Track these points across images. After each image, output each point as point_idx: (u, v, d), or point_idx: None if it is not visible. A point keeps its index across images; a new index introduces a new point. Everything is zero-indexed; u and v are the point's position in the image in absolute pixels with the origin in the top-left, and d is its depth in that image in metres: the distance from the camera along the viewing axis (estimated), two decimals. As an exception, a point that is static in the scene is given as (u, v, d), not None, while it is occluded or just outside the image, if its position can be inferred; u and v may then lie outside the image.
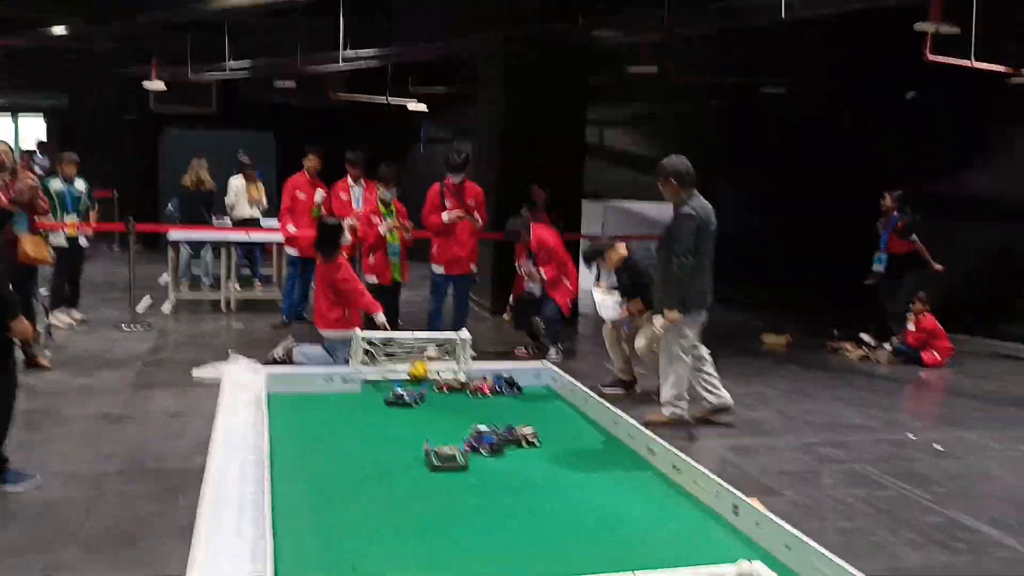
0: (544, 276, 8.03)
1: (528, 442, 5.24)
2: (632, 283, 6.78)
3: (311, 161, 9.33)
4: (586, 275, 10.11)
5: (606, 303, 6.96)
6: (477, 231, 8.14)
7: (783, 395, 7.19)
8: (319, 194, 9.15)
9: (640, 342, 6.59)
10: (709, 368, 6.10)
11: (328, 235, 7.45)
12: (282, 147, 15.87)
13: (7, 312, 4.29)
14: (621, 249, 6.90)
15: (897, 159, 11.18)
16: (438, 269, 8.07)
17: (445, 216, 7.94)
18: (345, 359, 7.22)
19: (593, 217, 12.87)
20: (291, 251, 9.44)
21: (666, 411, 5.85)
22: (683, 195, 5.75)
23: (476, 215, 8.01)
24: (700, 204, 5.76)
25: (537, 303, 8.28)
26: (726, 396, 6.06)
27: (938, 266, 9.10)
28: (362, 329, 7.00)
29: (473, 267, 8.20)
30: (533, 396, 6.66)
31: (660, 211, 12.81)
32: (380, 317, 7.20)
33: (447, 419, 5.86)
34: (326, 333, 7.41)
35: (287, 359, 7.38)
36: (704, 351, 6.09)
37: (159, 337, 8.61)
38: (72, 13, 11.93)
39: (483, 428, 5.23)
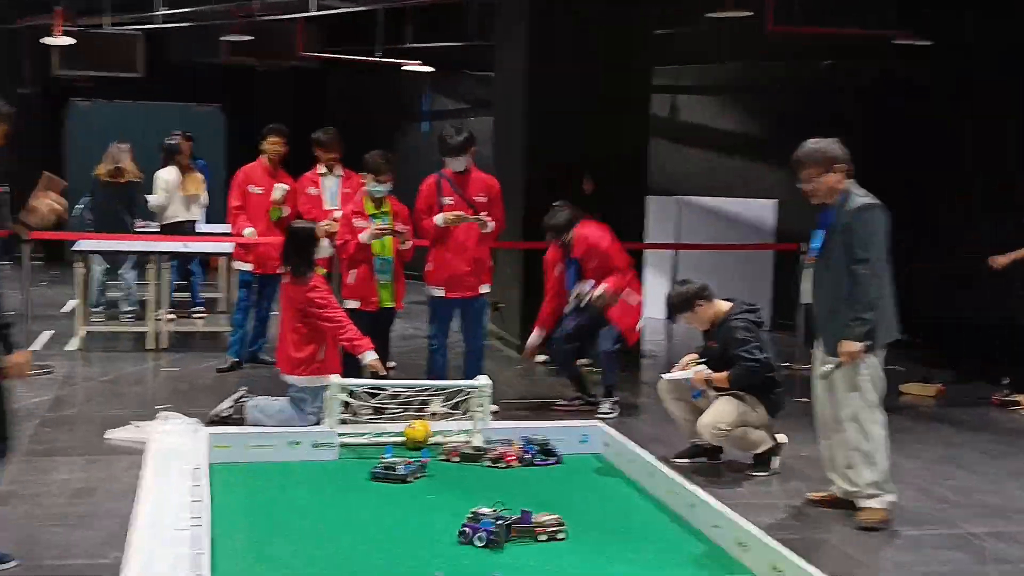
0: (602, 292, 7.95)
1: (549, 536, 5.21)
2: (723, 353, 6.72)
3: (272, 144, 9.41)
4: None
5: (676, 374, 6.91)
6: (487, 238, 8.11)
7: (929, 467, 7.12)
8: (279, 189, 9.21)
9: (708, 418, 6.58)
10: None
11: (298, 244, 7.49)
12: (233, 125, 16.03)
13: None
14: (721, 304, 6.85)
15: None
16: (436, 291, 8.06)
17: (440, 218, 7.94)
18: (317, 416, 7.24)
19: (663, 218, 12.87)
20: (243, 266, 9.51)
21: (874, 502, 5.78)
22: (843, 187, 5.78)
23: (484, 215, 7.95)
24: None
25: (584, 330, 8.24)
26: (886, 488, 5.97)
27: None
28: (342, 375, 7.02)
29: (484, 288, 8.17)
30: (577, 468, 6.63)
31: (761, 211, 12.79)
32: (369, 357, 7.22)
33: (456, 501, 5.82)
34: (292, 379, 7.43)
35: (238, 416, 7.41)
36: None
37: (62, 386, 8.67)
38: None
39: (485, 511, 5.24)
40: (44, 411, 7.81)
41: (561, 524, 5.29)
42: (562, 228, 8.17)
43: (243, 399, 7.50)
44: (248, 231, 9.28)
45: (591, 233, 8.19)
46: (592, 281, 8.08)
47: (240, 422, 7.36)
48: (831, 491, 6.03)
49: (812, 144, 5.83)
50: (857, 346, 5.68)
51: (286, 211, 9.23)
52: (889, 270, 5.78)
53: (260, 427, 7.18)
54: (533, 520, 5.26)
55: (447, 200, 7.97)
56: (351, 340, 7.29)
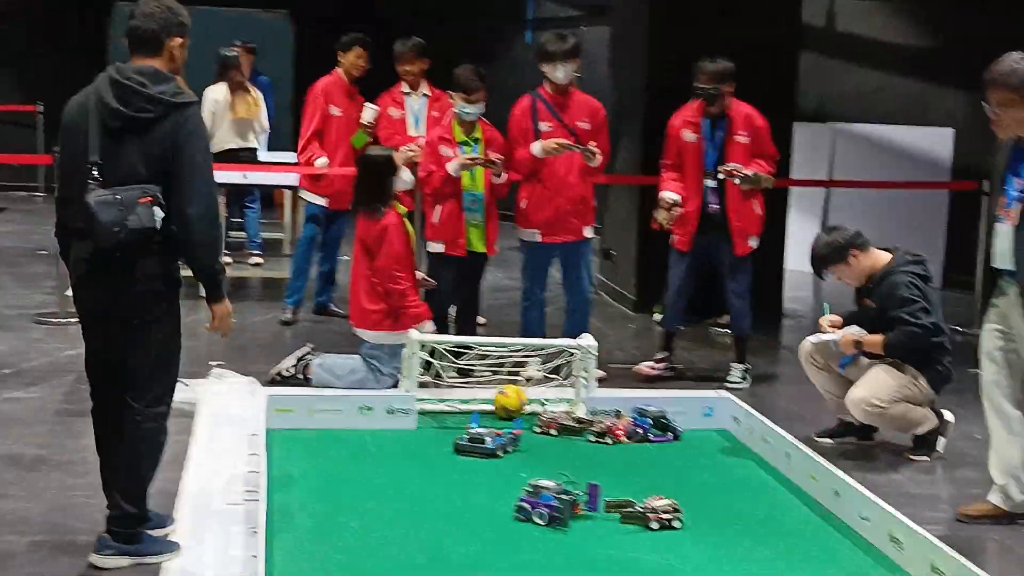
0: (756, 173, 7.91)
1: (663, 524, 5.27)
2: (881, 314, 6.63)
3: (356, 58, 9.49)
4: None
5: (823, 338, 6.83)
6: (593, 172, 8.09)
7: None
8: (370, 110, 9.26)
9: (860, 392, 6.50)
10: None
11: (372, 176, 7.57)
12: (304, 35, 16.16)
13: None
14: (880, 255, 6.75)
15: None
16: (531, 235, 8.06)
17: (537, 147, 7.94)
18: (394, 378, 7.35)
19: (813, 150, 12.69)
20: (314, 199, 9.63)
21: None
22: None
23: (592, 145, 7.92)
24: None
25: (706, 261, 8.17)
26: None
27: None
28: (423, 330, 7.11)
29: (589, 231, 8.15)
30: (699, 446, 6.64)
31: (935, 142, 12.55)
32: (427, 328, 7.30)
33: (553, 480, 5.90)
34: (366, 335, 7.55)
35: (302, 376, 7.56)
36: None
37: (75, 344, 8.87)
38: None
39: (546, 484, 5.33)
40: (80, 366, 7.99)
41: (677, 511, 5.33)
42: (721, 77, 8.01)
43: (308, 356, 7.64)
44: (321, 161, 9.37)
45: (746, 105, 8.10)
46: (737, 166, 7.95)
47: (305, 383, 7.52)
48: (991, 502, 5.81)
49: (1012, 61, 5.56)
50: None
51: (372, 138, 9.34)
52: None
53: (328, 389, 7.33)
54: (644, 505, 5.31)
55: (545, 126, 7.94)
56: (404, 299, 7.39)
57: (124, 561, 4.79)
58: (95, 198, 4.51)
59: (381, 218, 7.44)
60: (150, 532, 4.94)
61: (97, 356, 4.92)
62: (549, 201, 7.94)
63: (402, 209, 7.69)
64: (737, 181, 7.91)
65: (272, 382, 7.53)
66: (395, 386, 7.29)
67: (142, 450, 4.85)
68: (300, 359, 7.65)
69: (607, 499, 5.41)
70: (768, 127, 8.12)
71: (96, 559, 4.80)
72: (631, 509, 5.34)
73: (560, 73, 7.91)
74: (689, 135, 8.06)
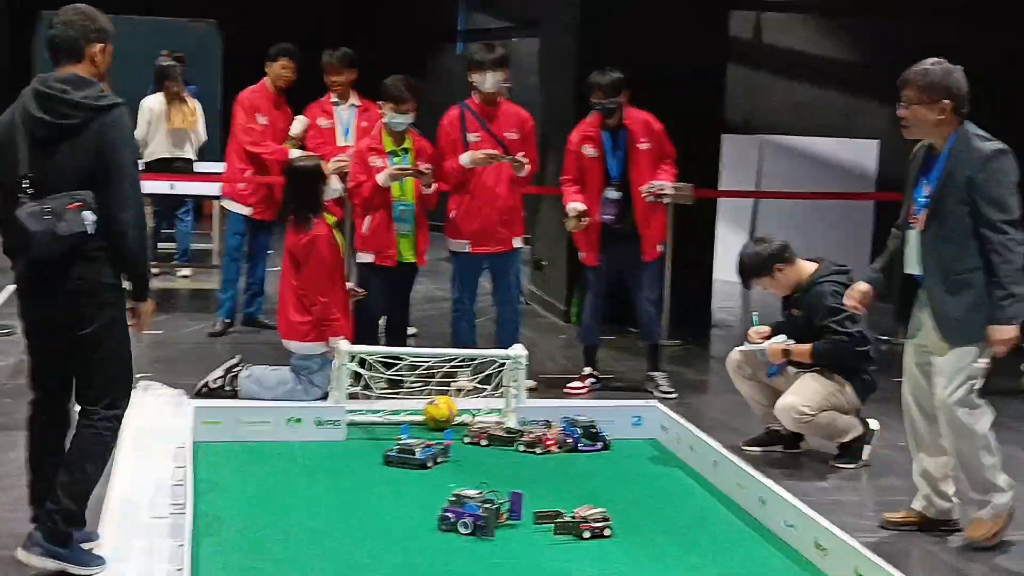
0: (686, 188, 7.98)
1: (594, 533, 5.30)
2: (808, 324, 6.70)
3: (279, 68, 9.46)
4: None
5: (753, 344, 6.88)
6: (521, 182, 8.11)
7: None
8: (299, 123, 9.24)
9: (789, 400, 6.56)
10: None
11: (300, 184, 7.55)
12: (233, 45, 16.07)
13: None
14: (805, 265, 6.81)
15: None
16: (460, 245, 8.07)
17: (466, 157, 7.96)
18: (323, 390, 7.32)
19: (741, 161, 12.81)
20: (238, 209, 9.60)
21: (984, 512, 5.67)
22: (953, 128, 5.56)
23: (520, 156, 7.94)
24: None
25: (617, 270, 8.15)
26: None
27: None
28: (352, 340, 7.08)
29: (518, 241, 8.17)
30: (628, 455, 6.67)
31: (860, 154, 12.67)
32: (341, 345, 7.23)
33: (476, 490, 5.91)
34: (293, 346, 7.52)
35: (229, 388, 7.50)
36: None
37: (25, 349, 8.77)
38: None
39: (470, 493, 5.34)
40: (3, 378, 7.93)
41: (607, 519, 5.35)
42: (617, 88, 7.95)
43: (237, 368, 7.59)
44: (298, 125, 9.21)
45: (641, 111, 8.08)
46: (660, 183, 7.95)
47: (233, 395, 7.46)
48: (915, 509, 5.87)
49: (927, 64, 5.63)
50: (1012, 331, 5.43)
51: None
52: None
53: (256, 401, 7.28)
54: (574, 514, 5.33)
55: (473, 137, 7.95)
56: (324, 312, 7.37)
57: (50, 563, 4.73)
58: (24, 212, 4.54)
59: (309, 228, 7.41)
60: (79, 544, 4.89)
61: (46, 368, 4.92)
62: (478, 212, 7.96)
63: (331, 219, 7.67)
64: (665, 200, 7.98)
65: (199, 394, 7.47)
66: (324, 397, 7.27)
67: (94, 451, 4.84)
68: (228, 371, 7.60)
69: (536, 511, 5.42)
70: (663, 129, 8.11)
71: (22, 555, 4.75)
72: (563, 520, 5.35)
73: (488, 82, 7.91)
74: (590, 150, 8.05)
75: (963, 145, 5.51)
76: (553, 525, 5.34)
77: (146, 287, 4.86)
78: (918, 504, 5.78)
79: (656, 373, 8.20)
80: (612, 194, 8.01)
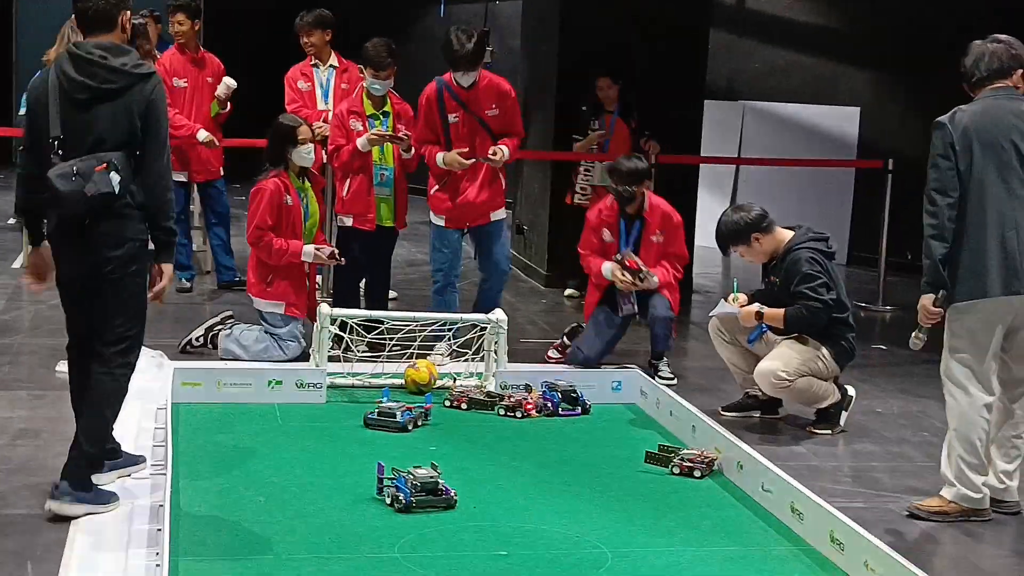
0: (656, 279, 7.50)
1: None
2: (785, 287, 6.72)
3: (176, 24, 9.33)
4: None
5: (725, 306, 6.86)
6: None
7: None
8: (223, 85, 9.24)
9: (768, 365, 6.58)
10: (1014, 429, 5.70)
11: (271, 139, 7.58)
12: (211, 8, 15.97)
13: None
14: (783, 232, 6.81)
15: None
16: (439, 220, 8.00)
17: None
18: (297, 341, 7.38)
19: (723, 127, 12.81)
20: (176, 175, 9.54)
21: (946, 491, 5.59)
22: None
23: (501, 148, 7.75)
24: (978, 109, 5.52)
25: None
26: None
27: None
28: (333, 303, 7.07)
29: (500, 214, 8.00)
30: (607, 420, 6.70)
31: (842, 121, 12.67)
32: (308, 252, 7.36)
33: (462, 454, 5.93)
34: (256, 303, 7.56)
35: (211, 346, 7.55)
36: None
37: (5, 309, 8.79)
38: None
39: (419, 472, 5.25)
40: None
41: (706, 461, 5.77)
42: (635, 177, 7.56)
43: (219, 327, 7.61)
44: (203, 135, 9.27)
45: (663, 201, 7.75)
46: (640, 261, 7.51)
47: (213, 350, 7.51)
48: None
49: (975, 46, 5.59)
50: (926, 299, 5.42)
51: (227, 108, 9.35)
52: (993, 203, 5.38)
53: (236, 363, 7.29)
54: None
55: (452, 117, 7.76)
56: (267, 247, 7.36)
57: (80, 509, 4.95)
58: (55, 172, 4.82)
59: (262, 180, 7.46)
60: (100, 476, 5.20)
61: (75, 316, 5.20)
62: (455, 189, 7.80)
63: (297, 183, 7.57)
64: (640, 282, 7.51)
65: (183, 351, 7.53)
66: (304, 353, 7.32)
67: (109, 394, 5.10)
68: (209, 329, 7.64)
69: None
70: (682, 225, 7.82)
71: (53, 505, 4.95)
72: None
73: (466, 79, 7.70)
74: (607, 235, 7.69)
75: None
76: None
77: (172, 246, 5.13)
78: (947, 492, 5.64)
79: (658, 360, 7.77)
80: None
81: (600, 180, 9.45)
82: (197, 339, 7.58)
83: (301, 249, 7.37)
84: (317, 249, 7.46)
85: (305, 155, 7.51)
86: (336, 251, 7.70)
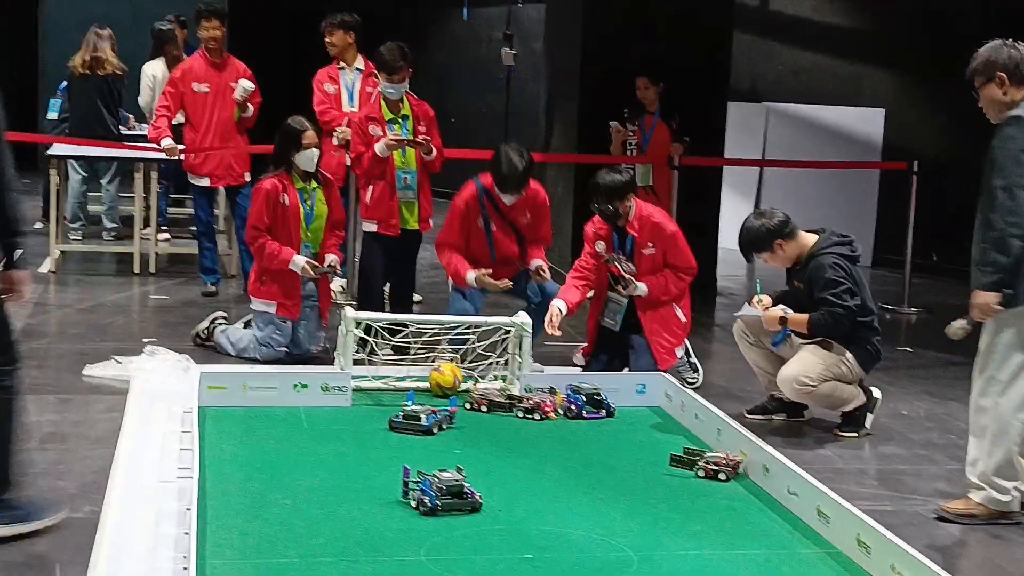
0: (644, 288, 7.32)
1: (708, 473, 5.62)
2: (809, 293, 6.70)
3: (206, 30, 9.36)
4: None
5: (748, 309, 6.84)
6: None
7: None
8: (240, 88, 9.27)
9: (790, 371, 6.57)
10: None
11: (279, 140, 7.67)
12: (235, 11, 16.02)
13: None
14: (806, 237, 6.78)
15: None
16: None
17: (471, 278, 7.52)
18: (268, 347, 7.54)
19: (747, 129, 12.79)
20: (196, 181, 9.68)
21: (975, 495, 5.57)
22: (1012, 99, 5.43)
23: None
24: None
25: (620, 345, 7.59)
26: None
27: None
28: (357, 307, 7.09)
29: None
30: (632, 423, 6.71)
31: (866, 123, 12.64)
32: (299, 262, 7.44)
33: (487, 458, 5.94)
34: (255, 304, 7.69)
35: (211, 342, 7.83)
36: None
37: (32, 314, 8.80)
38: None
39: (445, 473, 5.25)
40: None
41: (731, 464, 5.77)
42: (613, 194, 7.31)
43: (220, 321, 7.88)
44: (166, 142, 9.34)
45: (656, 211, 7.56)
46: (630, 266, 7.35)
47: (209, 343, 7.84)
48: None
49: (985, 49, 5.50)
50: (987, 296, 5.30)
51: (250, 111, 9.38)
52: None
53: (262, 366, 7.40)
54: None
55: (494, 227, 7.72)
56: (261, 251, 7.50)
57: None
58: None
59: (262, 179, 7.59)
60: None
61: None
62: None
63: (300, 184, 7.61)
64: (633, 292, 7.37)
65: (194, 343, 7.78)
66: (280, 358, 7.52)
67: None
68: (212, 320, 7.89)
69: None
70: (679, 233, 7.46)
71: None
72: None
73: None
74: (602, 247, 7.50)
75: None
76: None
77: (13, 249, 4.74)
78: (976, 496, 5.59)
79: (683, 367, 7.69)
80: (616, 296, 7.49)
81: (642, 181, 9.47)
82: (205, 331, 7.83)
83: (292, 257, 7.45)
84: (307, 262, 7.51)
85: (308, 160, 7.56)
86: (335, 264, 7.69)
